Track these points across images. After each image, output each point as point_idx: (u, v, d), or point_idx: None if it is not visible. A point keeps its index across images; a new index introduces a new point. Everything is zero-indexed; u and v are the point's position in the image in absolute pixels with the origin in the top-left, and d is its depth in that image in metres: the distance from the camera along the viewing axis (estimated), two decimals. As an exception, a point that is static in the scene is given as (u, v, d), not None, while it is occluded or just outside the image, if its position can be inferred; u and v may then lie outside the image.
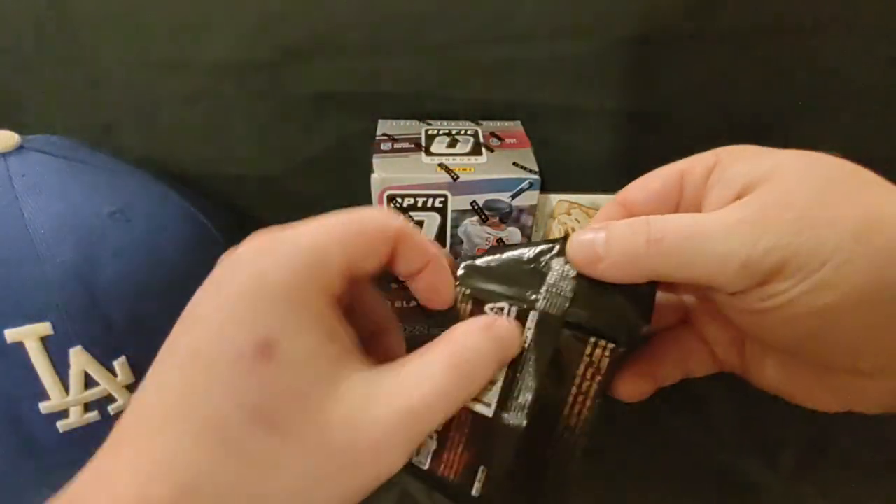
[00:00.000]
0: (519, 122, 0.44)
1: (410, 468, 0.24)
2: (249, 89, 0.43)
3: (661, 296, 0.25)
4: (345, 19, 0.41)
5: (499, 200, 0.38)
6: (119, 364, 0.31)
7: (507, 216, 0.39)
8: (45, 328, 0.29)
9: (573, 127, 0.44)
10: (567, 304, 0.23)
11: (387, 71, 0.43)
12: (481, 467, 0.23)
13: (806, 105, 0.43)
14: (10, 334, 0.29)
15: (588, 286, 0.23)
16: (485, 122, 0.43)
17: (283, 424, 0.17)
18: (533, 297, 0.23)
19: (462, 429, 0.23)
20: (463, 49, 0.42)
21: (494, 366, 0.21)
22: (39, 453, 0.31)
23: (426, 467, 0.24)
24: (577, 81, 0.43)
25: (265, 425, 0.17)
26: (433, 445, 0.23)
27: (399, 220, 0.21)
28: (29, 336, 0.29)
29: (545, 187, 0.40)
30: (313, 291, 0.19)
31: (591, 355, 0.22)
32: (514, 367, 0.23)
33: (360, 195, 0.36)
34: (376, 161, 0.37)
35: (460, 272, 0.24)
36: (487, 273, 0.24)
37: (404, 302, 0.37)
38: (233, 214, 0.46)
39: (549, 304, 0.23)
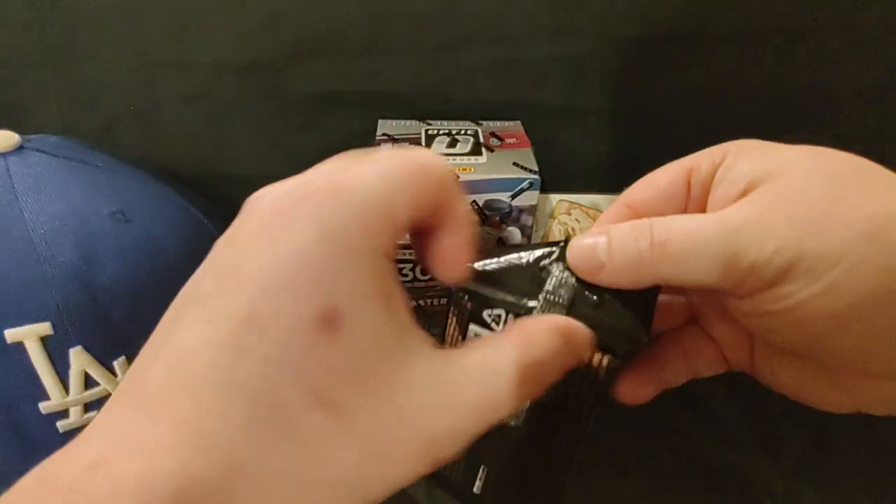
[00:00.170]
0: (519, 122, 0.44)
1: None
2: (249, 89, 0.43)
3: (666, 296, 0.25)
4: (345, 19, 0.41)
5: (499, 200, 0.38)
6: (119, 364, 0.31)
7: (507, 216, 0.39)
8: (45, 328, 0.29)
9: (573, 127, 0.44)
10: (564, 314, 0.21)
11: (387, 71, 0.43)
12: (482, 466, 0.23)
13: (805, 105, 0.43)
14: (10, 334, 0.29)
15: (587, 294, 0.22)
16: (485, 122, 0.43)
17: (345, 408, 0.15)
18: (530, 304, 0.22)
19: None
20: (463, 49, 0.42)
21: (560, 374, 0.19)
22: (39, 453, 0.31)
23: None
24: (577, 81, 0.43)
25: (325, 408, 0.15)
26: None
27: (450, 166, 0.19)
28: (29, 336, 0.29)
29: (545, 187, 0.40)
30: (380, 251, 0.16)
31: (587, 367, 0.22)
32: None
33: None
34: (376, 161, 0.37)
35: None
36: (486, 278, 0.23)
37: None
38: (233, 214, 0.46)
39: (545, 313, 0.22)
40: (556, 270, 0.22)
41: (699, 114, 0.43)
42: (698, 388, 0.27)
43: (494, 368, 0.17)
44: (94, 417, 0.16)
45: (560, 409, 0.22)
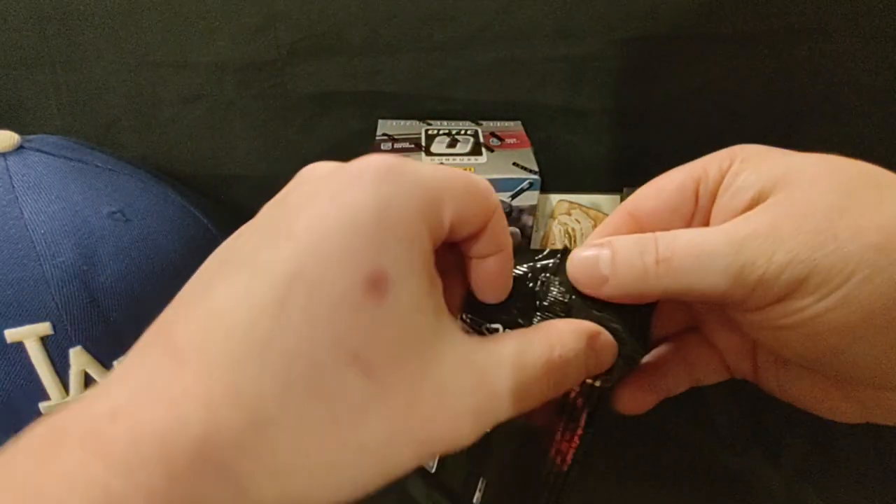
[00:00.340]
0: (519, 122, 0.44)
1: (421, 471, 0.24)
2: (249, 89, 0.43)
3: (666, 301, 0.25)
4: (345, 19, 0.41)
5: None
6: (119, 364, 0.31)
7: (507, 216, 0.39)
8: (45, 328, 0.29)
9: (573, 127, 0.44)
10: None
11: (387, 71, 0.43)
12: (481, 478, 0.23)
13: (809, 107, 0.43)
14: (10, 334, 0.29)
15: (583, 313, 0.21)
16: (485, 122, 0.43)
17: (381, 375, 0.15)
18: (526, 322, 0.21)
19: None
20: (463, 49, 0.42)
21: (582, 378, 0.20)
22: (39, 453, 0.31)
23: (433, 471, 0.24)
24: (578, 82, 0.43)
25: (362, 371, 0.15)
26: None
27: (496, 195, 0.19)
28: (29, 336, 0.29)
29: (545, 187, 0.40)
30: (427, 233, 0.17)
31: (581, 386, 0.21)
32: None
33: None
34: (376, 161, 0.37)
35: None
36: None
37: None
38: (233, 214, 0.46)
39: None
40: (554, 284, 0.22)
41: (700, 114, 0.43)
42: (700, 392, 0.27)
43: (523, 361, 0.18)
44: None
45: (553, 432, 0.22)
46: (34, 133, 0.36)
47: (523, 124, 0.44)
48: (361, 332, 0.15)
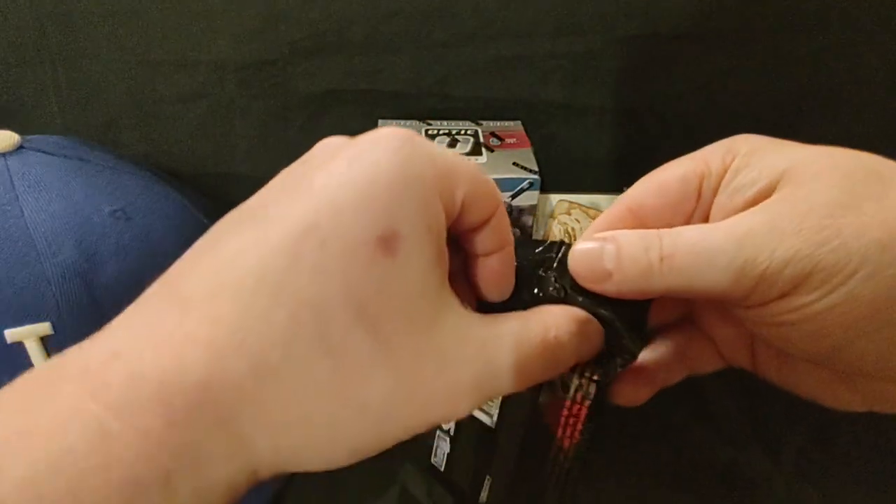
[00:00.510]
0: (519, 122, 0.44)
1: (430, 469, 0.24)
2: (250, 88, 0.43)
3: None
4: (345, 18, 0.41)
5: (499, 200, 0.38)
6: (119, 363, 0.31)
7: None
8: (45, 328, 0.29)
9: (573, 126, 0.44)
10: None
11: (387, 69, 0.43)
12: (487, 476, 0.23)
13: (810, 107, 0.43)
14: (10, 334, 0.29)
15: (582, 306, 0.21)
16: (485, 122, 0.43)
17: (386, 334, 0.15)
18: None
19: (469, 436, 0.23)
20: (464, 47, 0.42)
21: (573, 361, 0.20)
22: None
23: (442, 469, 0.24)
24: (578, 80, 0.43)
25: (368, 329, 0.15)
26: (447, 448, 0.24)
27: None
28: (29, 336, 0.29)
29: (545, 187, 0.40)
30: (440, 204, 0.17)
31: (579, 385, 0.21)
32: None
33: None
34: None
35: None
36: None
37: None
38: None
39: None
40: (551, 280, 0.21)
41: (700, 113, 0.43)
42: (700, 388, 0.27)
43: (521, 338, 0.18)
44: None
45: (553, 429, 0.22)
46: (34, 133, 0.36)
47: (523, 122, 0.44)
48: (371, 286, 0.15)
